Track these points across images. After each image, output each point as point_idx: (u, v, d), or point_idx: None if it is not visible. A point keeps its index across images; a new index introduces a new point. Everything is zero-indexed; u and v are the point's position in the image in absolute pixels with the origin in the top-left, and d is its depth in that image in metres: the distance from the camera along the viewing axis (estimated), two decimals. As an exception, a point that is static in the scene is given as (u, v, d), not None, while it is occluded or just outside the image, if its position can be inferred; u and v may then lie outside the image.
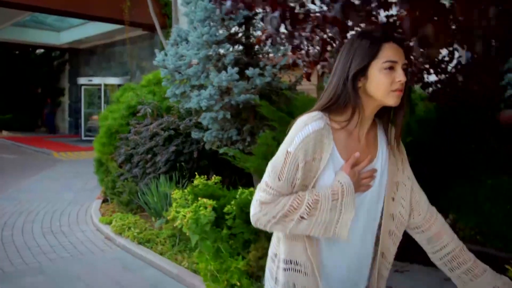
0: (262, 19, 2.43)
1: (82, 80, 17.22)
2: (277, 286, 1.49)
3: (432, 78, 4.20)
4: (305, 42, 2.63)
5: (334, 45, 2.66)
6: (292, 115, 5.12)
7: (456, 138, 5.08)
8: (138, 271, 4.20)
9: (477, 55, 4.31)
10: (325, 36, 2.56)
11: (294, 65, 3.08)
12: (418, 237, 1.61)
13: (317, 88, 6.51)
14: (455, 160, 5.13)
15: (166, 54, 5.32)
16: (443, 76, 4.24)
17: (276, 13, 1.98)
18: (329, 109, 1.43)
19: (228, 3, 2.17)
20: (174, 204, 4.01)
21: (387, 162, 1.51)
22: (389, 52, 1.38)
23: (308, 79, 3.04)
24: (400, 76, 1.37)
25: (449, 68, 4.32)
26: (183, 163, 5.78)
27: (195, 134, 5.58)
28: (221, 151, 5.18)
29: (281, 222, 1.38)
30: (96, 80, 16.59)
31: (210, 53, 4.91)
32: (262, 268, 3.75)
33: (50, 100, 20.20)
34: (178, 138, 6.02)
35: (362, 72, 1.39)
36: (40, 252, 4.68)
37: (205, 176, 4.45)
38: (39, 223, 5.75)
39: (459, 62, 4.27)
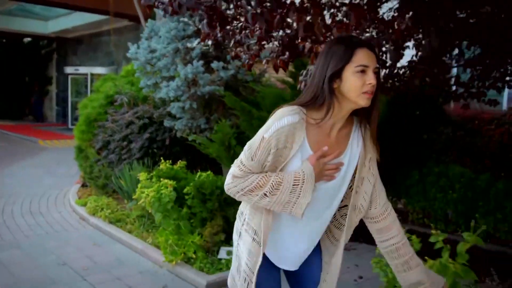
0: (200, 21, 2.76)
1: (69, 70, 17.45)
2: (240, 240, 1.77)
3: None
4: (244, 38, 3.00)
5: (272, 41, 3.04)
6: (258, 105, 5.50)
7: (408, 128, 5.47)
8: (107, 246, 4.59)
9: (423, 51, 4.71)
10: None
11: (236, 57, 3.44)
12: (370, 226, 1.82)
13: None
14: (407, 150, 5.53)
15: (138, 47, 5.67)
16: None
17: (205, 20, 2.34)
18: (308, 106, 1.60)
19: (161, 13, 2.55)
20: (139, 185, 4.39)
21: (356, 158, 1.69)
22: (361, 57, 1.54)
23: (249, 69, 3.42)
24: (370, 79, 1.54)
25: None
26: (156, 150, 6.13)
27: (167, 123, 5.94)
28: (189, 138, 5.54)
29: (247, 195, 1.61)
30: (82, 70, 16.84)
31: (179, 47, 5.27)
32: (216, 244, 4.16)
33: (38, 88, 20.36)
34: (152, 126, 6.36)
35: (337, 74, 1.55)
36: (18, 230, 5.05)
37: (169, 160, 4.82)
38: (19, 205, 6.10)
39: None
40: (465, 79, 5.07)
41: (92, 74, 16.61)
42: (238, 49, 3.13)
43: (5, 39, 19.95)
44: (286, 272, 1.90)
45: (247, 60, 3.20)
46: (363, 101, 1.56)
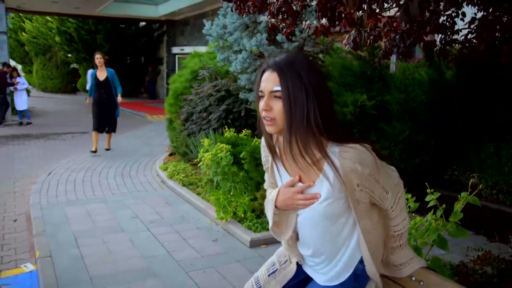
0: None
1: (175, 50, 18.72)
2: None
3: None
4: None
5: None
6: (327, 77, 5.56)
7: (481, 98, 5.14)
8: (176, 205, 5.09)
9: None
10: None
11: (274, 27, 3.58)
12: None
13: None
14: (481, 121, 5.21)
15: (212, 24, 6.03)
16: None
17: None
18: None
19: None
20: (201, 150, 4.78)
21: (337, 186, 1.47)
22: (260, 83, 1.46)
23: (288, 39, 3.54)
24: (260, 106, 1.44)
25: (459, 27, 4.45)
26: (231, 121, 6.50)
27: (242, 95, 6.26)
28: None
29: None
30: (187, 49, 17.93)
31: (246, 21, 5.51)
32: (269, 206, 4.39)
33: (151, 68, 22.12)
34: (230, 98, 6.72)
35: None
36: (108, 188, 5.80)
37: (233, 129, 5.14)
38: (115, 168, 6.94)
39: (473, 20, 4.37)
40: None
41: (195, 53, 17.62)
42: (272, 20, 3.28)
43: (123, 25, 21.88)
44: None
45: (284, 29, 3.34)
46: (266, 128, 1.47)
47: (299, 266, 1.71)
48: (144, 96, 22.60)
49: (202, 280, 3.27)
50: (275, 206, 1.59)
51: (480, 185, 2.40)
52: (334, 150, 1.44)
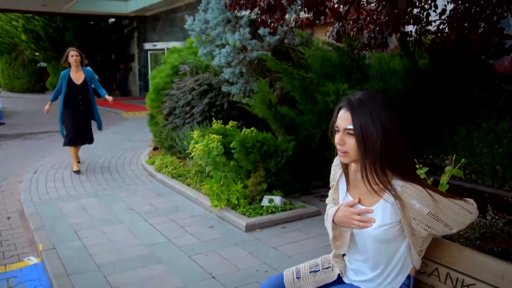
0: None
1: (147, 46, 18.64)
2: None
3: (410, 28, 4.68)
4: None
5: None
6: (308, 68, 5.79)
7: (453, 84, 5.48)
8: (167, 197, 5.24)
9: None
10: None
11: (263, 22, 3.79)
12: None
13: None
14: (454, 106, 5.55)
15: (194, 19, 6.17)
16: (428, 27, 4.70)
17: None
18: None
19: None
20: (192, 141, 4.95)
21: (393, 218, 1.64)
22: (337, 118, 1.65)
23: (271, 33, 3.73)
24: (336, 140, 1.64)
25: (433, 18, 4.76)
26: (214, 114, 6.66)
27: (224, 88, 6.43)
28: (243, 101, 5.99)
29: None
30: (159, 45, 17.90)
31: (229, 16, 5.68)
32: (260, 193, 4.61)
33: (123, 65, 21.92)
34: (212, 92, 6.88)
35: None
36: (97, 183, 5.89)
37: (221, 121, 5.32)
38: (100, 164, 7.01)
39: (443, 11, 4.69)
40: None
41: (168, 49, 17.58)
42: (262, 15, 3.47)
43: (92, 21, 21.56)
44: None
45: (272, 24, 3.54)
46: (340, 158, 1.70)
47: (339, 276, 1.89)
48: (116, 93, 22.36)
49: (206, 263, 3.45)
50: (333, 221, 1.76)
51: (464, 160, 2.66)
52: (397, 183, 1.61)
